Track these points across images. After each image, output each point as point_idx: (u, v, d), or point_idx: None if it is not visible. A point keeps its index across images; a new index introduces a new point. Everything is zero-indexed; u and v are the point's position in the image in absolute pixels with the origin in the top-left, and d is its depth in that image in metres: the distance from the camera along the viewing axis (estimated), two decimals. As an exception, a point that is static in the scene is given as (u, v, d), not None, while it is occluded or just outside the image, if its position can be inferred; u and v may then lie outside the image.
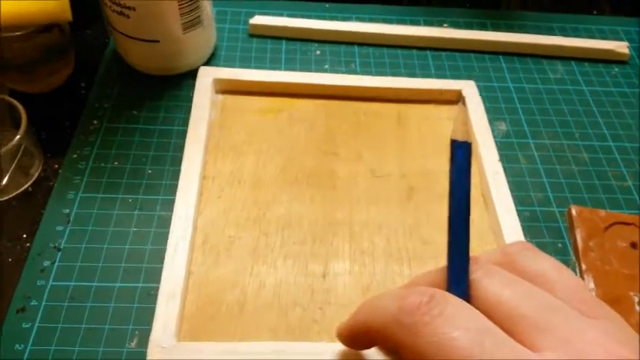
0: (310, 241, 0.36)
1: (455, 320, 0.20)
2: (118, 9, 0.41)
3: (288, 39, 0.51)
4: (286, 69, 0.48)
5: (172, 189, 0.38)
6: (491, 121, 0.43)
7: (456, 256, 0.23)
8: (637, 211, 0.40)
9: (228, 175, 0.39)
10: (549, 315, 0.20)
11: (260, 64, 0.48)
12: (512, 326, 0.20)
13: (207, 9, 0.44)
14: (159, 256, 0.35)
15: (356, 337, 0.25)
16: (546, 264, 0.23)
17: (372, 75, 0.48)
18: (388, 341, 0.22)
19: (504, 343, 0.20)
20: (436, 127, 0.43)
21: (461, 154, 0.24)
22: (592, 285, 0.35)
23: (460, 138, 0.24)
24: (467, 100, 0.43)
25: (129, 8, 0.40)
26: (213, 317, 0.32)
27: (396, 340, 0.21)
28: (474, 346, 0.19)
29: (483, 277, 0.22)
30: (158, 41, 0.42)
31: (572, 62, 0.51)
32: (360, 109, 0.44)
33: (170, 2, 0.40)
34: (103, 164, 0.40)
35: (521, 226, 0.36)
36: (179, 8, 0.41)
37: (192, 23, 0.43)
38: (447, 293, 0.22)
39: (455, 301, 0.21)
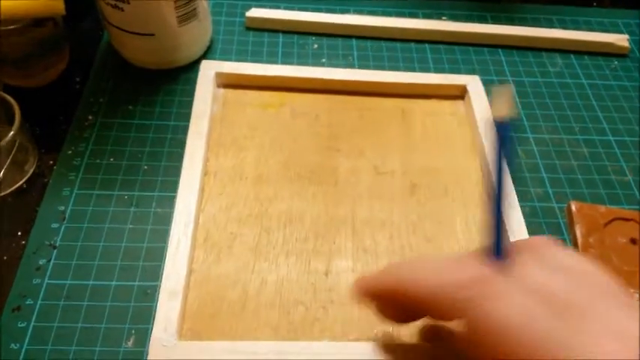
0: (312, 239, 0.35)
1: (508, 299, 0.21)
2: (112, 2, 0.40)
3: (285, 32, 0.50)
4: (283, 62, 0.47)
5: (169, 185, 0.38)
6: (491, 116, 0.43)
7: (496, 236, 0.23)
8: (637, 207, 0.40)
9: (230, 171, 0.38)
10: (596, 302, 0.21)
11: (257, 58, 0.47)
12: (559, 311, 0.20)
13: (203, 2, 0.43)
14: (155, 254, 0.34)
15: (378, 295, 0.26)
16: (574, 259, 0.23)
17: (370, 69, 0.47)
18: (432, 310, 0.23)
19: (557, 324, 0.20)
20: (440, 123, 0.43)
21: (503, 132, 0.24)
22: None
23: (501, 117, 0.24)
24: (471, 95, 0.43)
25: (123, 1, 0.39)
26: (214, 316, 0.32)
27: (446, 312, 0.22)
28: (527, 324, 0.20)
29: (528, 261, 0.23)
30: (153, 35, 0.42)
31: (572, 55, 0.51)
32: (364, 104, 0.43)
33: (166, -5, 0.40)
34: (98, 160, 0.39)
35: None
36: (174, 1, 0.40)
37: (188, 16, 0.42)
38: (497, 272, 0.22)
39: (507, 280, 0.22)
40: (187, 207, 0.35)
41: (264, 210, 0.36)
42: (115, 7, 0.40)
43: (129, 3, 0.40)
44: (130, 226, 0.36)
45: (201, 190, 0.36)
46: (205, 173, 0.38)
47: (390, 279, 0.25)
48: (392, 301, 0.25)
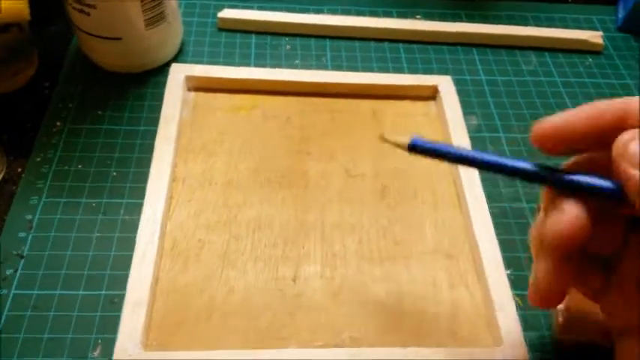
0: (281, 244, 0.35)
1: None
2: (79, 7, 0.39)
3: (258, 33, 0.50)
4: (256, 64, 0.47)
5: (137, 192, 0.37)
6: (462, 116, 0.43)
7: None
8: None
9: (199, 177, 0.38)
10: None
11: (229, 60, 0.47)
12: None
13: (172, 4, 0.43)
14: (123, 263, 0.34)
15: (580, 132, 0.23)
16: None
17: (344, 69, 0.47)
18: None
19: None
20: (411, 124, 0.43)
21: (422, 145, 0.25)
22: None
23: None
24: (443, 96, 0.43)
25: (89, 6, 0.39)
26: (180, 325, 0.31)
27: None
28: None
29: None
30: (120, 39, 0.41)
31: (546, 53, 0.51)
32: (336, 106, 0.43)
33: (132, -2, 0.39)
34: (66, 167, 0.39)
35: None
36: (141, 4, 0.40)
37: (156, 19, 0.42)
38: None
39: None
40: (154, 214, 0.34)
41: (233, 216, 0.36)
42: (82, 11, 0.40)
43: (95, 7, 0.39)
44: (98, 234, 0.35)
45: (169, 196, 0.36)
46: (174, 179, 0.37)
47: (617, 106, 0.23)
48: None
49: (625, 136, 0.22)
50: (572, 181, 0.23)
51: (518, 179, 0.25)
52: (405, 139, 0.25)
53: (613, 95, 0.48)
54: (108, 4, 0.39)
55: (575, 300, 0.32)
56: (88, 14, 0.40)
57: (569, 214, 0.22)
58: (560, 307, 0.32)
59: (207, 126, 0.41)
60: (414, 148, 0.25)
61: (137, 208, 0.36)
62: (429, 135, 0.42)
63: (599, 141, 0.23)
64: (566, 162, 0.26)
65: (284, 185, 0.38)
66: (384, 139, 0.26)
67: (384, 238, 0.36)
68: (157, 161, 0.37)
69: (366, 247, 0.36)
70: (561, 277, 0.23)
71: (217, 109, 0.42)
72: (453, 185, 0.39)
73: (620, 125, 0.23)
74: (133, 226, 0.35)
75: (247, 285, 0.33)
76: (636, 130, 0.22)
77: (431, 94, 0.44)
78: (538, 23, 0.53)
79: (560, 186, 0.23)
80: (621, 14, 0.55)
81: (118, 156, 0.39)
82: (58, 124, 0.41)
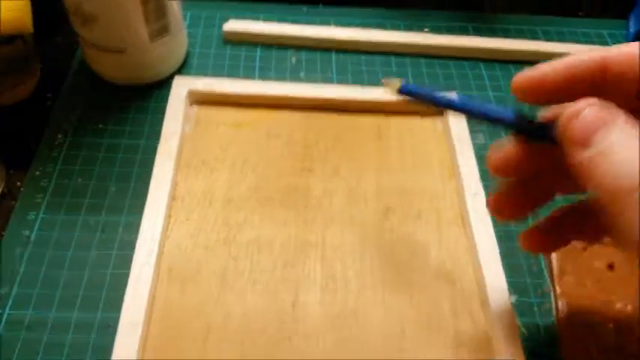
0: (280, 267, 0.35)
1: None
2: (81, 18, 0.39)
3: (263, 45, 0.49)
4: (260, 77, 0.46)
5: (136, 208, 0.37)
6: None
7: None
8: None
9: (199, 195, 0.37)
10: None
11: (233, 72, 0.46)
12: None
13: (177, 16, 0.43)
14: (119, 283, 0.33)
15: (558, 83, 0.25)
16: None
17: (349, 83, 0.46)
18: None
19: None
20: (417, 141, 0.42)
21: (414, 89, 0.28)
22: (566, 310, 0.34)
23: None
24: (449, 112, 0.42)
25: (92, 17, 0.38)
26: (176, 348, 0.31)
27: None
28: None
29: None
30: (124, 51, 0.41)
31: (555, 69, 0.50)
32: (341, 122, 0.42)
33: (134, 10, 0.39)
34: (66, 181, 0.38)
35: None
36: (144, 16, 0.39)
37: (160, 31, 0.41)
38: None
39: None
40: (152, 234, 0.34)
41: (232, 236, 0.35)
42: (84, 22, 0.39)
43: (98, 19, 0.39)
44: (95, 252, 0.35)
45: (168, 215, 0.36)
46: (173, 197, 0.37)
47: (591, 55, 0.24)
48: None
49: (565, 114, 0.23)
50: (532, 133, 0.26)
51: (500, 127, 0.28)
52: (397, 82, 0.28)
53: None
54: (110, 15, 0.39)
55: (578, 310, 0.32)
56: (91, 26, 0.39)
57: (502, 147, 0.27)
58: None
59: (209, 141, 0.40)
60: (404, 91, 0.28)
61: (136, 226, 0.35)
62: (436, 152, 0.41)
63: (580, 91, 0.24)
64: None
65: (285, 204, 0.37)
66: (383, 83, 0.29)
67: (387, 261, 0.35)
68: (156, 178, 0.36)
69: (368, 270, 0.35)
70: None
71: (220, 124, 0.41)
72: (457, 205, 0.38)
73: (601, 75, 0.23)
74: (131, 245, 0.35)
75: (245, 309, 0.33)
76: (576, 106, 0.23)
77: (437, 111, 0.43)
78: (548, 37, 0.52)
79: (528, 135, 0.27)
80: (632, 29, 0.53)
81: (118, 170, 0.39)
82: (60, 136, 0.41)
